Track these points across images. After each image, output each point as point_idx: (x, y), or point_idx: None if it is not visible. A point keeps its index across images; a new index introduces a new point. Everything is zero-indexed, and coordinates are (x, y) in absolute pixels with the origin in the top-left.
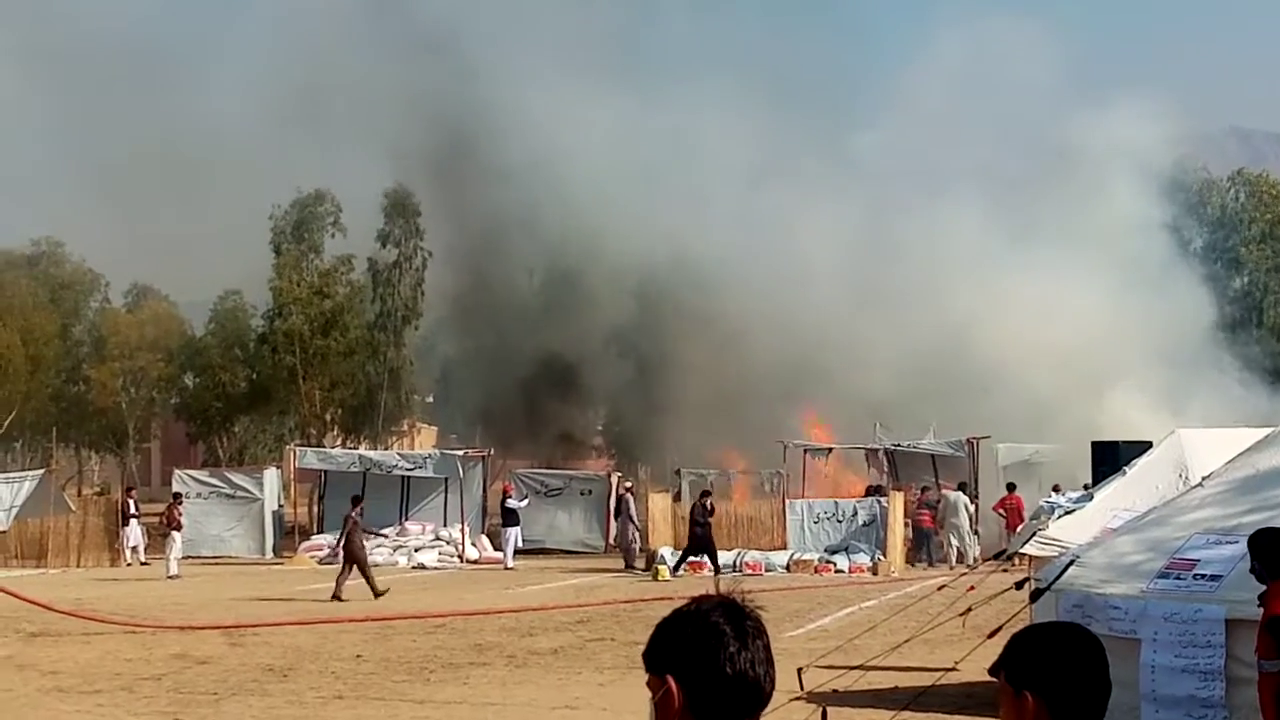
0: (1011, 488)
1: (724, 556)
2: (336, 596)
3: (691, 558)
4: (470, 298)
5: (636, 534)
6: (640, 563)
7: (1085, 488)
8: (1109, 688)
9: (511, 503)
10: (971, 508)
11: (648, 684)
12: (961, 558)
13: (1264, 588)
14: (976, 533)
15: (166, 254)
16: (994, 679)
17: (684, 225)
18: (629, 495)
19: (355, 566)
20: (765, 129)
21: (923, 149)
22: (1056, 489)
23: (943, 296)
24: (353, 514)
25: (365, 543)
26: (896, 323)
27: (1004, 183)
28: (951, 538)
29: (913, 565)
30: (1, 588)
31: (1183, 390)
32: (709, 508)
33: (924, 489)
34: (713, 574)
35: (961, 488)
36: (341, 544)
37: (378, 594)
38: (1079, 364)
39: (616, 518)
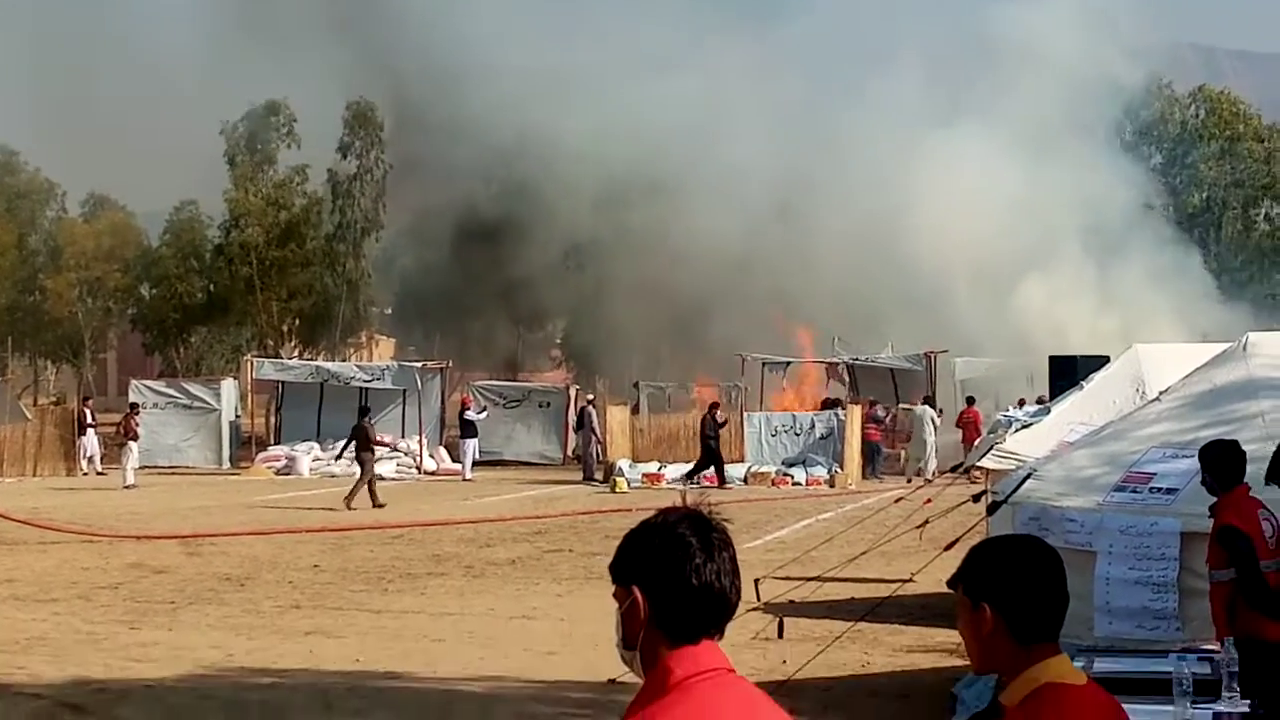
0: (971, 401)
1: (682, 469)
2: (377, 504)
3: (705, 472)
4: (428, 209)
5: (598, 446)
6: (599, 475)
7: (1040, 401)
8: (1066, 600)
9: (470, 415)
10: (938, 421)
11: (614, 595)
12: (920, 472)
13: (1215, 499)
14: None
15: (122, 162)
16: (952, 591)
17: (627, 125)
18: (591, 408)
19: (361, 472)
20: (700, 16)
21: (857, 32)
22: (1022, 402)
23: (882, 185)
24: (364, 423)
25: (372, 452)
26: (837, 214)
27: (940, 62)
28: (916, 451)
29: (867, 478)
30: None
31: (1115, 272)
32: (719, 420)
33: (872, 403)
34: (682, 483)
35: (927, 401)
36: (356, 454)
37: (351, 505)
38: (1011, 249)
39: (578, 430)
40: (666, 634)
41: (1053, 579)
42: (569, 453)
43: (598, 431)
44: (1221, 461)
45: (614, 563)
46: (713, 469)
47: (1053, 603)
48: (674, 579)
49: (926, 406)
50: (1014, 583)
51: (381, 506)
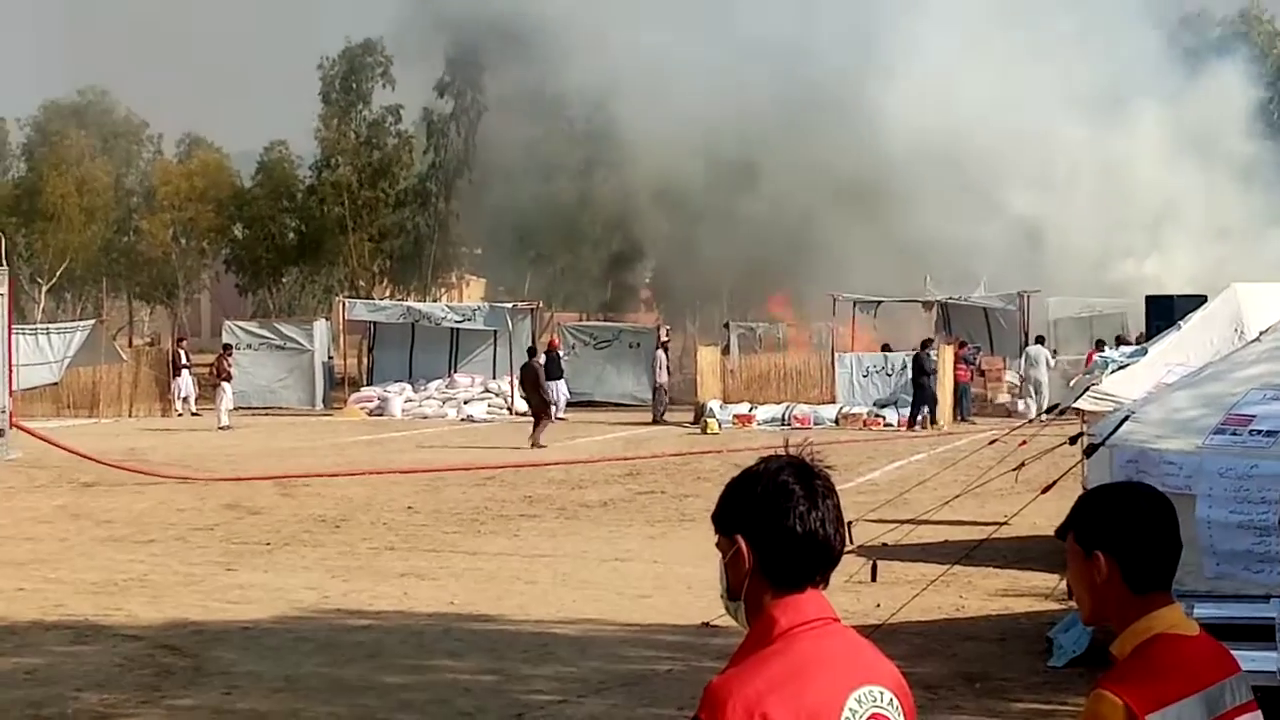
0: (1100, 345)
1: (773, 410)
2: (536, 445)
3: (924, 409)
4: (519, 149)
5: (660, 388)
6: (654, 413)
7: (1136, 341)
8: (1180, 547)
9: (538, 360)
10: (1053, 361)
11: (717, 545)
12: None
13: None
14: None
15: (213, 103)
16: (1059, 539)
17: (730, 70)
18: (661, 352)
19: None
20: None
21: None
22: (1119, 341)
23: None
24: (534, 363)
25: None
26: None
27: None
28: (1031, 391)
29: (956, 420)
30: (56, 442)
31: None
32: (934, 359)
33: (962, 343)
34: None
35: (1039, 341)
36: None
37: (538, 444)
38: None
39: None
40: (771, 583)
41: (1168, 526)
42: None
43: (657, 373)
44: None
45: (716, 512)
46: (926, 409)
47: (1168, 550)
48: (777, 527)
49: (1040, 347)
50: (1130, 529)
51: (541, 448)
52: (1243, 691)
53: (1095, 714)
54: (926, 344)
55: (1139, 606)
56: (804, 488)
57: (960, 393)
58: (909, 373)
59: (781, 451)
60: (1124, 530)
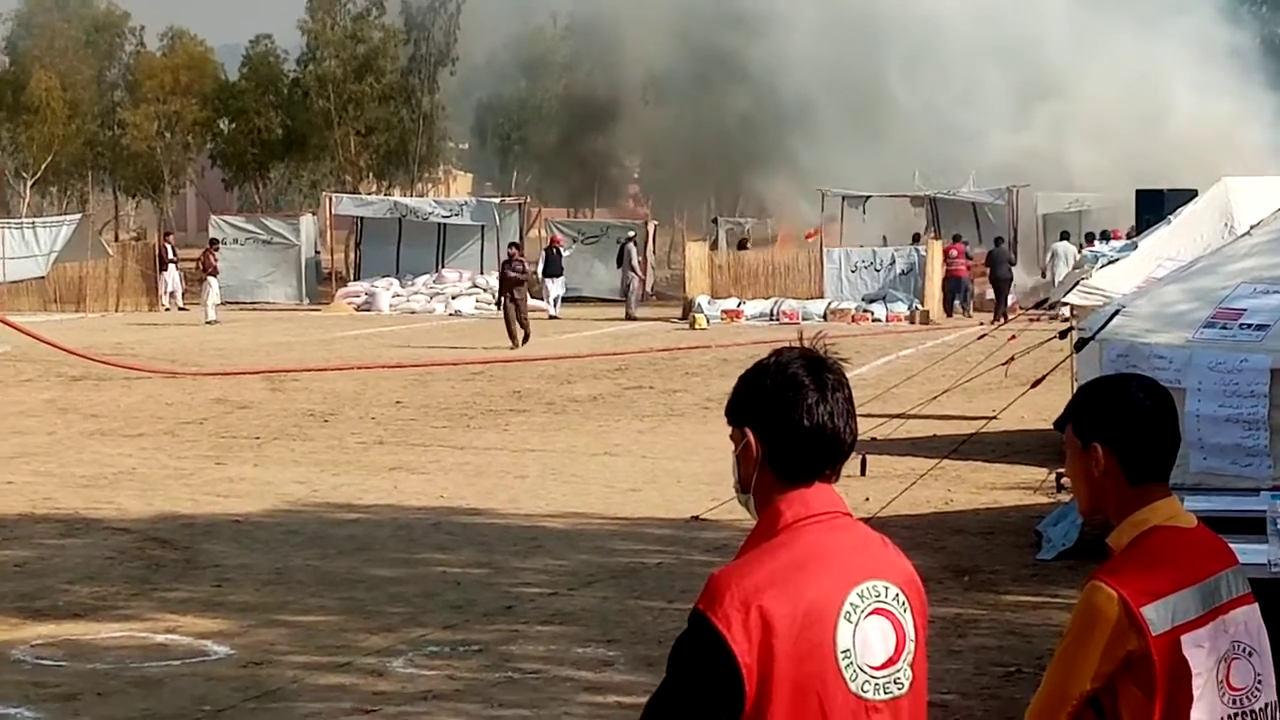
0: (1090, 239)
1: (761, 305)
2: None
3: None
4: (502, 42)
5: (637, 282)
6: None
7: (1100, 236)
8: (1178, 439)
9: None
10: (1076, 257)
11: (730, 437)
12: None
13: None
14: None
15: None
16: (1058, 431)
17: None
18: (631, 245)
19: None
20: None
21: None
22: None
23: None
24: (517, 256)
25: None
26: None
27: None
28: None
29: (949, 315)
30: (41, 336)
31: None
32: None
33: (956, 238)
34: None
35: (1064, 237)
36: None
37: (515, 345)
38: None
39: (619, 267)
40: (779, 476)
41: (1167, 418)
42: (648, 289)
43: (637, 268)
44: None
45: (729, 405)
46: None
47: (1166, 442)
48: (786, 420)
49: (1065, 243)
50: (1128, 421)
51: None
52: (1240, 584)
53: (1090, 605)
54: (1000, 240)
55: (1136, 498)
56: (814, 380)
57: (960, 288)
58: (897, 268)
59: (793, 344)
60: (1122, 421)
